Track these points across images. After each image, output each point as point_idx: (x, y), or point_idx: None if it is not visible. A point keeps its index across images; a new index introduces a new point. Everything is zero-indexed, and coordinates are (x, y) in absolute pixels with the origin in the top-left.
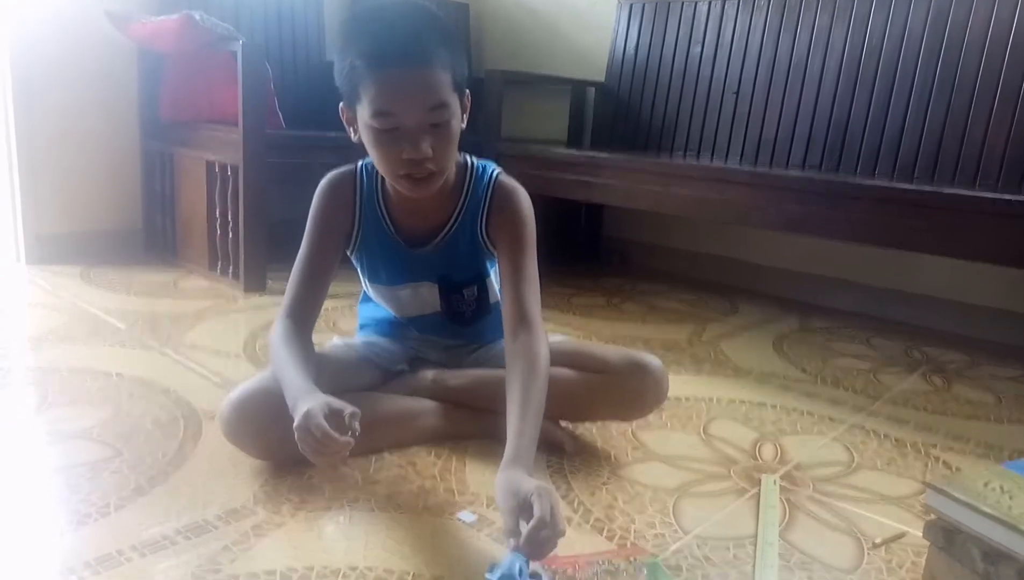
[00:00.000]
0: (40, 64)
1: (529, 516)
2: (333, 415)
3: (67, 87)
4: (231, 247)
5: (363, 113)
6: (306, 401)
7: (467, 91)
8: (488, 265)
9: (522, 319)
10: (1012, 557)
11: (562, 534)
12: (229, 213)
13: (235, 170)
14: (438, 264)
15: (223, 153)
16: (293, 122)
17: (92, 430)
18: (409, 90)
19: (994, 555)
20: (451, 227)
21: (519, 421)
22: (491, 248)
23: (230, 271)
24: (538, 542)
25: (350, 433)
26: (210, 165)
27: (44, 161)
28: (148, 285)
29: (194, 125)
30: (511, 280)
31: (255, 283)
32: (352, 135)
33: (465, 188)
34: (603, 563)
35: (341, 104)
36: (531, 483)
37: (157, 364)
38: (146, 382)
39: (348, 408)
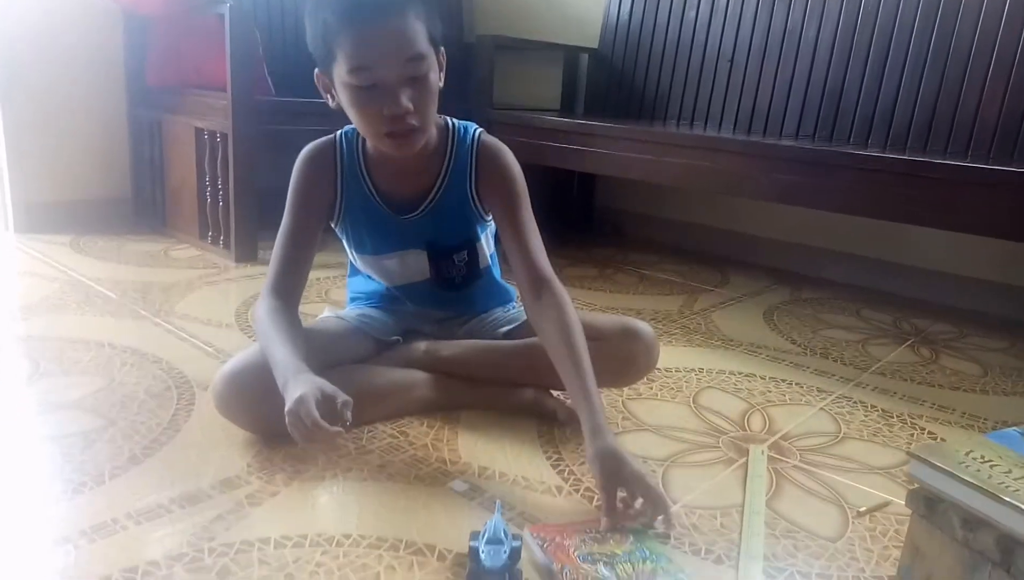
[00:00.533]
0: (25, 30)
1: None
2: (325, 401)
3: (52, 53)
4: (221, 216)
5: (340, 72)
6: (296, 384)
7: (442, 48)
8: (479, 229)
9: (538, 277)
10: (991, 524)
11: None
12: (219, 181)
13: (224, 137)
14: (426, 230)
15: (212, 120)
16: (283, 89)
17: (85, 400)
18: (385, 42)
19: (973, 522)
20: (438, 190)
21: (579, 381)
22: (482, 210)
23: (220, 240)
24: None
25: (341, 422)
26: (199, 132)
27: (31, 129)
28: (139, 254)
29: (182, 91)
30: (515, 241)
31: (246, 252)
32: (330, 101)
33: (448, 150)
34: (591, 531)
35: (316, 71)
36: (633, 464)
37: (149, 334)
38: (138, 352)
39: (341, 396)
